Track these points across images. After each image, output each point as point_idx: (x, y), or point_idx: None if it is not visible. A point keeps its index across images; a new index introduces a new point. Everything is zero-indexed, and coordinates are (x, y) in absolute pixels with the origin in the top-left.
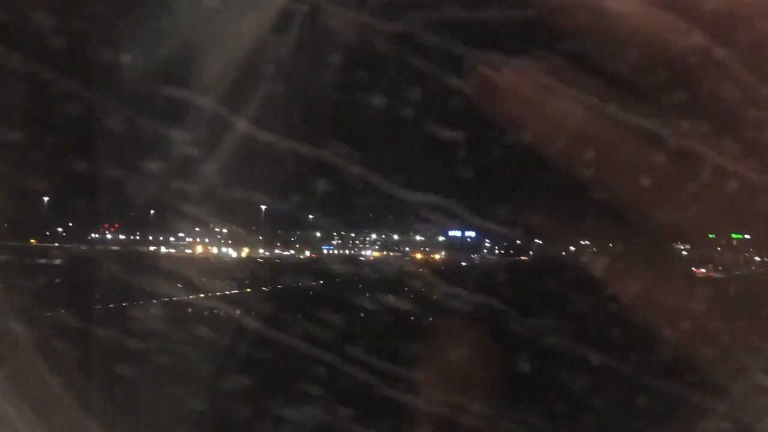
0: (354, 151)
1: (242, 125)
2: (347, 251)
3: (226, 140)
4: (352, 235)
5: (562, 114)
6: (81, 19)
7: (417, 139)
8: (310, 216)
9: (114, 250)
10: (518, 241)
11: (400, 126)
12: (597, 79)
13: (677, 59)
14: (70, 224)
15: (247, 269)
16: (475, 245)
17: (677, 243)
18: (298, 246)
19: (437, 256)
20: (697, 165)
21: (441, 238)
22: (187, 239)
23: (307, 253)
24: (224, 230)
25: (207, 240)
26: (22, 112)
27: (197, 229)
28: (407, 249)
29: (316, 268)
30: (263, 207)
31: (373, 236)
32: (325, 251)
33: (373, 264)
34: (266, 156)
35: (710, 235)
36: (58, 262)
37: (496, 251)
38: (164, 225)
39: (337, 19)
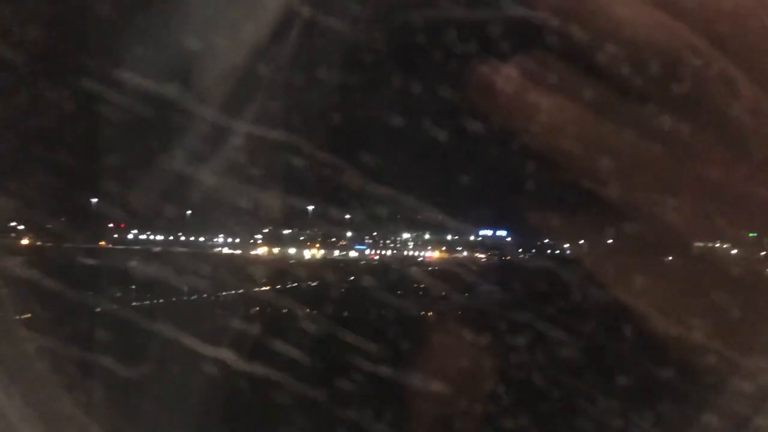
0: (380, 154)
1: (273, 128)
2: (389, 251)
3: (258, 143)
4: (408, 235)
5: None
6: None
7: (444, 141)
8: (347, 216)
9: (191, 252)
10: (567, 243)
11: (424, 128)
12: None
13: (683, 60)
14: (110, 226)
15: (356, 267)
16: (510, 245)
17: (718, 242)
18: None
19: (482, 255)
20: (733, 164)
21: (471, 238)
22: (217, 239)
23: (367, 254)
24: (264, 232)
25: (238, 241)
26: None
27: (262, 231)
28: (443, 248)
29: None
30: (311, 208)
31: (405, 236)
32: (366, 252)
33: (457, 264)
34: (303, 160)
35: (750, 234)
36: (174, 263)
37: (532, 251)
38: (205, 227)
39: (336, 20)
